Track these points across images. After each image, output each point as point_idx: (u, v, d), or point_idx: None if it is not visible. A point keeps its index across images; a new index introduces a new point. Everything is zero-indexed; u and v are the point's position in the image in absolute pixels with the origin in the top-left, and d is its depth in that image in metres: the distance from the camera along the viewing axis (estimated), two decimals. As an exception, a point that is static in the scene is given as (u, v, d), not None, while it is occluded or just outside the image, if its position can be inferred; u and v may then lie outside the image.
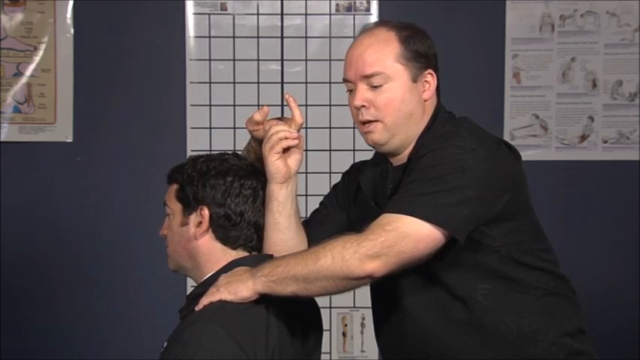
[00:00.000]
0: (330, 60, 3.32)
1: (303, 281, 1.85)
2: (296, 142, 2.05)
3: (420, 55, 2.04)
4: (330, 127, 3.33)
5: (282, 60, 3.33)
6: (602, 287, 3.28)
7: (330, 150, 3.33)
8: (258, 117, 2.11)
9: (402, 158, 2.06)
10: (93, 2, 3.30)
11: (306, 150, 3.28)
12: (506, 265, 1.98)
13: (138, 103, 3.33)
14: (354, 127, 3.33)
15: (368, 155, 3.28)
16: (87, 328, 3.31)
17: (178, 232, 1.96)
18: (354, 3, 3.33)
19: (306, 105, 3.31)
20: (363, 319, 3.34)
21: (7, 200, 3.29)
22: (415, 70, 2.03)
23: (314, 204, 3.37)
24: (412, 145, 2.04)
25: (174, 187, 1.97)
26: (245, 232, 1.94)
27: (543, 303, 2.00)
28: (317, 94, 3.32)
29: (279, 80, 3.32)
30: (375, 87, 2.02)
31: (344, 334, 3.31)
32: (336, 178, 3.29)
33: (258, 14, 3.32)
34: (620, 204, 3.35)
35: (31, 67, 3.31)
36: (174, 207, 1.96)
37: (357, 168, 2.25)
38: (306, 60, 3.33)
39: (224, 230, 1.93)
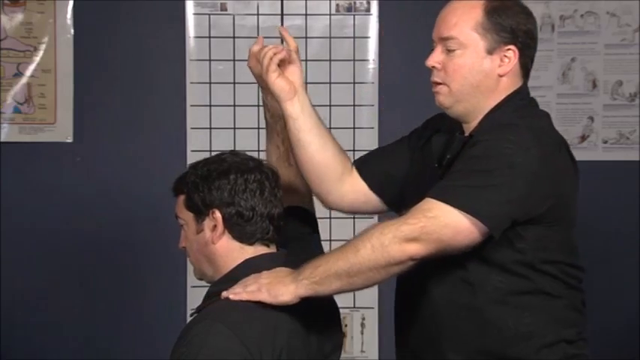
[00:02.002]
0: (330, 60, 3.32)
1: (346, 276, 1.85)
2: (284, 53, 2.07)
3: (504, 28, 2.00)
4: (330, 128, 3.29)
5: (282, 60, 3.32)
6: (602, 288, 3.27)
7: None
8: (255, 48, 2.12)
9: (470, 128, 2.04)
10: (93, 3, 3.30)
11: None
12: (525, 268, 1.96)
13: (138, 104, 3.33)
14: (354, 128, 3.33)
15: (368, 155, 3.29)
16: (87, 329, 3.31)
17: (195, 240, 1.96)
18: (354, 3, 3.33)
19: (306, 105, 3.31)
20: (363, 319, 3.34)
21: (7, 200, 3.29)
22: (493, 42, 2.00)
23: (314, 204, 3.37)
24: (480, 117, 2.02)
25: (182, 197, 1.97)
26: (260, 225, 1.94)
27: (548, 306, 1.99)
28: (317, 95, 3.30)
29: (279, 80, 3.32)
30: (450, 51, 2.01)
31: (344, 335, 3.31)
32: (336, 179, 3.31)
33: (258, 14, 3.32)
34: (620, 204, 3.35)
35: (31, 67, 3.31)
36: (186, 217, 1.97)
37: (435, 122, 2.20)
38: (306, 60, 3.31)
39: (239, 228, 1.93)
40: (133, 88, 3.33)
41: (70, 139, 3.32)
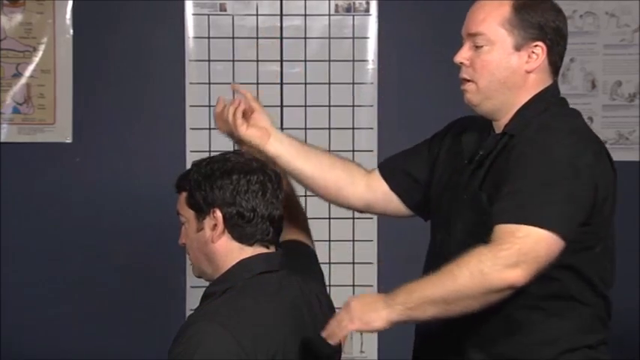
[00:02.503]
0: (329, 61, 3.32)
1: (442, 303, 1.83)
2: (242, 105, 2.13)
3: (532, 25, 2.01)
4: (329, 128, 3.33)
5: (281, 61, 3.33)
6: None
7: (329, 151, 3.32)
8: (217, 109, 2.18)
9: (500, 125, 2.04)
10: (92, 3, 3.30)
11: (306, 151, 3.30)
12: (566, 271, 1.96)
13: (137, 104, 3.33)
14: (353, 128, 3.33)
15: (368, 156, 3.29)
16: (87, 329, 3.30)
17: (196, 238, 1.96)
18: (354, 4, 3.33)
19: (306, 106, 3.31)
20: (363, 319, 3.34)
21: (7, 201, 3.28)
22: (520, 38, 2.00)
23: (314, 204, 3.37)
24: (510, 115, 2.02)
25: (184, 195, 1.98)
26: (260, 227, 1.94)
27: (576, 314, 1.98)
28: (316, 95, 3.32)
29: (279, 81, 3.32)
30: (478, 47, 2.01)
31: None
32: (336, 179, 3.31)
33: (257, 15, 3.32)
34: (619, 205, 3.34)
35: (31, 67, 3.31)
36: (188, 214, 1.97)
37: (461, 124, 2.21)
38: (305, 61, 3.32)
39: (239, 228, 1.93)
40: (132, 88, 3.33)
41: (69, 140, 3.32)
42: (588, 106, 3.33)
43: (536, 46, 2.02)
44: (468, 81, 2.03)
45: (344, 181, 2.24)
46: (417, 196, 2.23)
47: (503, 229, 1.85)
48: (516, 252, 1.82)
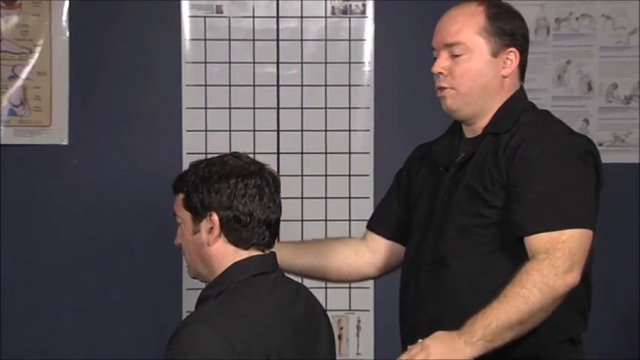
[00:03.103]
0: (325, 63, 3.32)
1: (518, 324, 1.89)
2: None
3: (505, 32, 2.11)
4: (325, 130, 3.33)
5: (277, 63, 3.32)
6: (602, 291, 3.27)
7: (325, 153, 3.32)
8: None
9: (475, 129, 2.13)
10: (88, 5, 3.30)
11: (302, 153, 3.31)
12: None
13: (133, 106, 3.33)
14: (349, 130, 3.33)
15: (364, 158, 3.29)
16: (82, 330, 3.30)
17: (192, 240, 1.97)
18: (350, 6, 3.33)
19: (302, 108, 3.31)
20: (359, 321, 3.34)
21: (3, 203, 3.28)
22: (497, 45, 2.10)
23: (309, 207, 3.38)
24: (487, 118, 2.11)
25: (181, 196, 1.98)
26: (257, 231, 1.95)
27: (565, 305, 2.00)
28: (313, 97, 3.32)
29: (275, 83, 3.32)
30: (455, 56, 2.09)
31: (339, 337, 3.31)
32: (332, 181, 3.32)
33: (253, 17, 3.32)
34: (616, 207, 3.34)
35: (27, 69, 3.30)
36: (184, 216, 1.97)
37: (419, 148, 2.33)
38: (301, 63, 3.32)
39: (236, 232, 1.94)
40: (129, 90, 3.33)
41: (65, 142, 3.32)
42: (584, 108, 3.33)
43: (510, 52, 2.11)
44: (447, 88, 2.10)
45: (351, 258, 2.33)
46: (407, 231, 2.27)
47: (547, 237, 1.94)
48: (568, 255, 1.92)
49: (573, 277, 1.92)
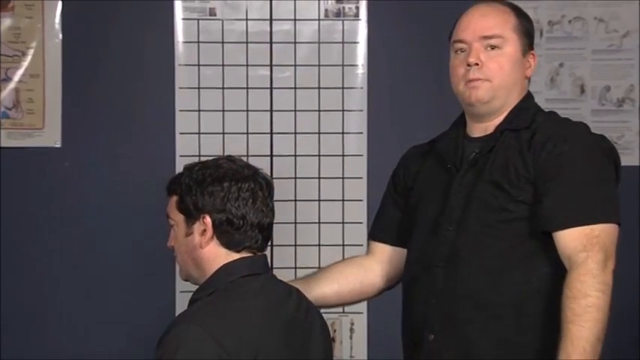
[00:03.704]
0: (319, 65, 3.32)
1: (603, 332, 1.93)
2: None
3: (530, 33, 2.15)
4: (319, 133, 3.33)
5: (271, 65, 3.33)
6: None
7: (319, 155, 3.33)
8: None
9: (488, 127, 2.14)
10: (81, 7, 3.29)
11: (295, 155, 3.31)
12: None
13: (126, 109, 3.32)
14: (343, 133, 3.33)
15: (357, 160, 3.30)
16: (73, 332, 3.30)
17: (184, 242, 1.97)
18: (343, 8, 3.33)
19: (295, 110, 3.31)
20: (352, 324, 3.34)
21: (-5, 206, 3.28)
22: (524, 45, 2.14)
23: (303, 209, 3.38)
24: (502, 116, 2.13)
25: (174, 198, 1.99)
26: (249, 235, 1.95)
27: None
28: (306, 100, 3.32)
29: (268, 85, 3.32)
30: (492, 49, 2.10)
31: (333, 340, 3.31)
32: (325, 184, 3.32)
33: (247, 19, 3.32)
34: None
35: (20, 72, 3.30)
36: (177, 218, 1.98)
37: (414, 148, 2.34)
38: (295, 65, 3.33)
39: (228, 235, 1.94)
40: (122, 92, 3.32)
41: (58, 144, 3.31)
42: (577, 111, 3.34)
43: (531, 53, 2.16)
44: (480, 79, 2.11)
45: (361, 276, 2.33)
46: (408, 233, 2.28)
47: (580, 233, 1.97)
48: (604, 249, 1.97)
49: (611, 269, 1.97)
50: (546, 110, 2.22)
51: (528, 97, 2.18)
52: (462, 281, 2.05)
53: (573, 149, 2.03)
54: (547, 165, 2.01)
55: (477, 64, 2.10)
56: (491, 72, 2.10)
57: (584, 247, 1.95)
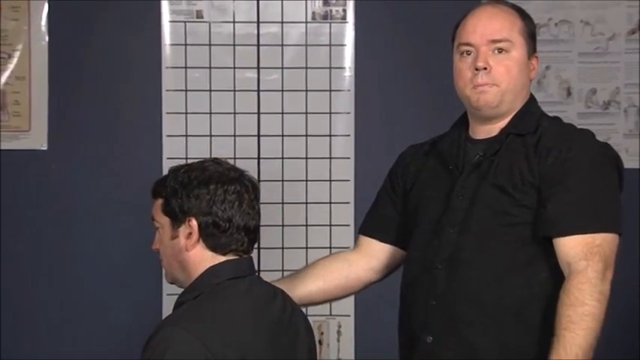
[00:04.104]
0: (306, 68, 3.32)
1: (595, 340, 1.93)
2: None
3: (534, 36, 2.15)
4: (306, 135, 3.33)
5: (258, 68, 3.32)
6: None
7: (306, 158, 3.33)
8: None
9: (492, 130, 2.13)
10: (68, 9, 3.28)
11: (282, 158, 3.31)
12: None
13: (113, 111, 3.32)
14: (330, 135, 3.33)
15: (345, 163, 3.30)
16: (59, 335, 3.29)
17: (170, 245, 1.97)
18: (331, 11, 3.34)
19: (283, 113, 3.31)
20: (340, 326, 3.34)
21: (-19, 208, 3.27)
22: (530, 48, 2.14)
23: (290, 211, 3.38)
24: (507, 119, 2.12)
25: (160, 201, 1.98)
26: (235, 237, 1.95)
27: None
28: (293, 102, 3.32)
29: (256, 88, 3.32)
30: (500, 52, 2.09)
31: (320, 342, 3.31)
32: (312, 187, 3.32)
33: (234, 22, 3.32)
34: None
35: (6, 74, 3.29)
36: (163, 221, 1.97)
37: (413, 148, 2.32)
38: (282, 68, 3.32)
39: (214, 238, 1.94)
40: (109, 95, 3.31)
41: (44, 147, 3.30)
42: (564, 113, 3.34)
43: (535, 56, 2.16)
44: (488, 84, 2.09)
45: (346, 270, 2.31)
46: (402, 233, 2.28)
47: (581, 240, 1.97)
48: (604, 259, 1.96)
49: (609, 279, 1.97)
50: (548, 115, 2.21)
51: (532, 101, 2.17)
52: (463, 283, 2.04)
53: (579, 156, 2.02)
54: (553, 171, 2.01)
55: (485, 69, 2.08)
56: (500, 76, 2.09)
57: (585, 255, 1.95)
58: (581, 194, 2.00)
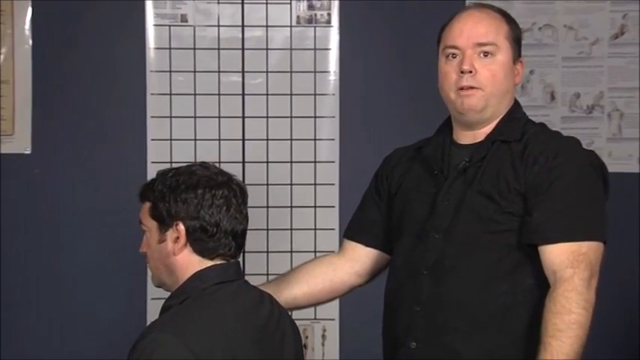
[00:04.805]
0: (291, 72, 3.32)
1: (581, 349, 1.93)
2: None
3: (519, 40, 2.15)
4: (291, 139, 3.33)
5: (242, 72, 3.32)
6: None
7: (291, 162, 3.32)
8: None
9: (477, 135, 2.12)
10: (51, 13, 3.27)
11: (267, 162, 3.31)
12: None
13: (97, 115, 3.31)
14: (315, 139, 3.34)
15: (329, 167, 3.30)
16: (47, 339, 3.27)
17: (157, 249, 1.96)
18: (315, 15, 3.34)
19: (267, 117, 3.31)
20: (324, 330, 3.34)
21: (-36, 212, 3.25)
22: (515, 52, 2.13)
23: (275, 215, 3.38)
24: (492, 124, 2.12)
25: (147, 204, 1.97)
26: (223, 242, 1.95)
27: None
28: (278, 106, 3.32)
29: (240, 92, 3.32)
30: (485, 56, 2.08)
31: (305, 346, 3.31)
32: (297, 190, 3.32)
33: (218, 26, 3.32)
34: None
35: (-11, 78, 3.28)
36: (150, 225, 1.97)
37: (400, 151, 2.31)
38: (267, 72, 3.32)
39: (201, 242, 1.93)
40: (93, 99, 3.31)
41: (28, 151, 3.29)
42: (548, 117, 3.36)
43: (520, 60, 2.15)
44: (474, 87, 2.09)
45: (330, 274, 2.31)
46: (386, 237, 2.28)
47: (567, 248, 1.97)
48: (589, 267, 1.96)
49: (594, 287, 1.97)
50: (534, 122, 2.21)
51: (517, 106, 2.17)
52: (448, 290, 2.04)
53: (566, 165, 2.02)
54: (539, 179, 2.01)
55: (470, 72, 2.08)
56: (485, 80, 2.09)
57: (571, 263, 1.95)
58: (567, 202, 2.00)
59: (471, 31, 2.10)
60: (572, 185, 2.01)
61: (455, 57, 2.11)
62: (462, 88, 2.09)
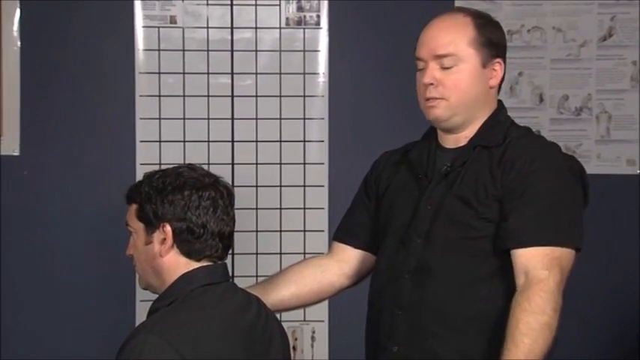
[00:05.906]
0: (280, 73, 3.32)
1: (548, 351, 1.92)
2: None
3: (492, 43, 2.12)
4: (280, 141, 3.33)
5: (232, 73, 3.32)
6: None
7: (280, 163, 3.33)
8: None
9: (459, 139, 2.13)
10: (40, 14, 3.27)
11: (256, 163, 3.31)
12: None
13: (86, 117, 3.30)
14: (304, 141, 3.34)
15: (319, 168, 3.30)
16: (35, 341, 3.26)
17: (144, 251, 1.96)
18: (304, 17, 3.34)
19: (257, 118, 3.31)
20: (314, 332, 3.34)
21: (-48, 214, 3.24)
22: (486, 56, 2.11)
23: (264, 217, 3.38)
24: (473, 128, 2.12)
25: (134, 206, 1.97)
26: (210, 243, 1.95)
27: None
28: (267, 108, 3.32)
29: (230, 94, 3.32)
30: (446, 67, 2.08)
31: (294, 348, 3.31)
32: (286, 192, 3.33)
33: (207, 27, 3.32)
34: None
35: (-23, 79, 3.26)
36: (137, 226, 1.97)
37: (388, 154, 2.32)
38: (256, 73, 3.33)
39: (188, 244, 1.93)
40: (82, 100, 3.30)
41: (16, 153, 3.28)
42: (536, 119, 3.37)
43: (496, 62, 2.13)
44: (437, 98, 2.09)
45: (319, 276, 2.32)
46: (374, 239, 2.28)
47: (541, 252, 1.96)
48: (561, 272, 1.96)
49: (563, 286, 1.97)
50: (517, 125, 2.21)
51: (500, 109, 2.17)
52: (428, 294, 2.05)
53: (542, 169, 2.02)
54: (515, 184, 2.01)
55: (432, 84, 2.09)
56: (448, 90, 2.09)
57: (546, 265, 1.95)
58: (542, 208, 2.00)
59: (431, 42, 2.11)
60: (547, 190, 2.01)
61: (422, 69, 2.13)
62: (427, 99, 2.11)
